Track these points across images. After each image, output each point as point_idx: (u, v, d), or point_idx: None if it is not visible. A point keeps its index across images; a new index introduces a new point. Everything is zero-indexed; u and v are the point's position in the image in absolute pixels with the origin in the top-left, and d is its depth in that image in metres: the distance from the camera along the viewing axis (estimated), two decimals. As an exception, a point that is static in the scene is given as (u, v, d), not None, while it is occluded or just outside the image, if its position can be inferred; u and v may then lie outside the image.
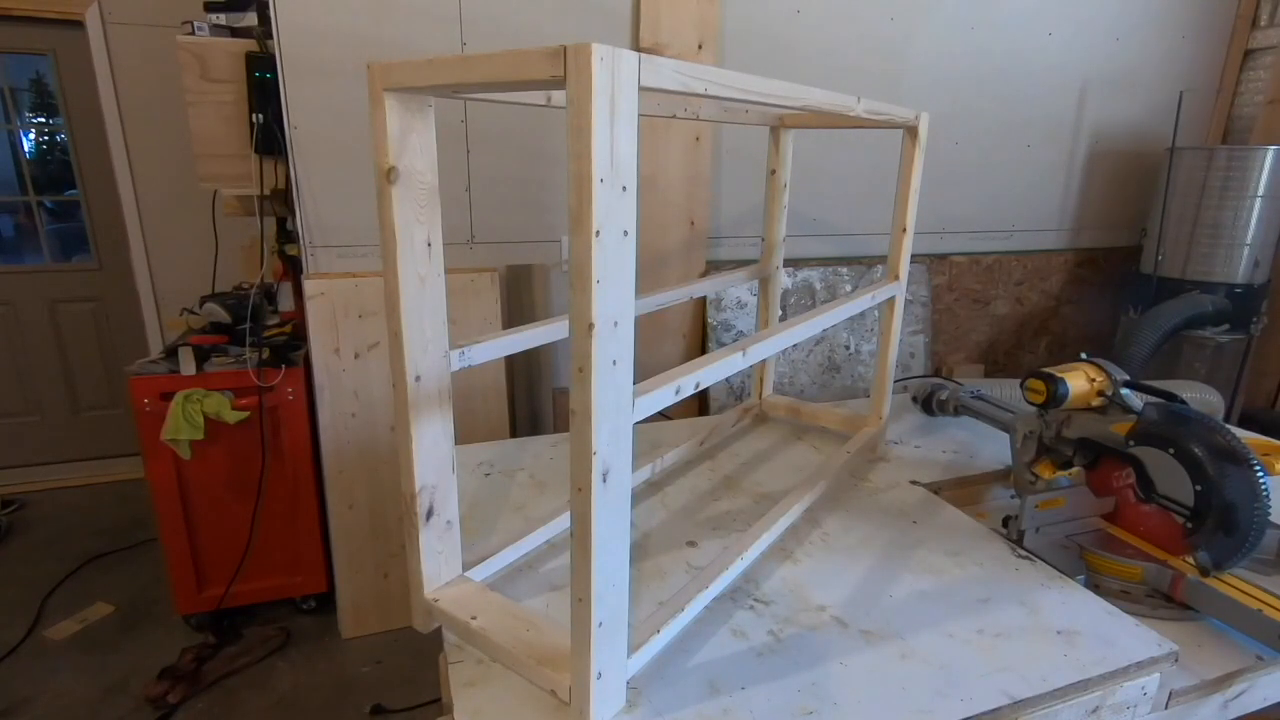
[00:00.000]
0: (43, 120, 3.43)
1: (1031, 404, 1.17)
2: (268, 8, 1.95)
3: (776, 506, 1.11)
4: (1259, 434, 1.40)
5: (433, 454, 0.82)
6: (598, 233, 0.57)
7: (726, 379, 2.51)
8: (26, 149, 3.42)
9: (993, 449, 1.48)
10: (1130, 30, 2.99)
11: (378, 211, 0.75)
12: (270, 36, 2.01)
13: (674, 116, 1.20)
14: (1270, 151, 2.68)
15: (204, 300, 2.36)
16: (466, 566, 0.92)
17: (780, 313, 1.61)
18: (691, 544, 1.11)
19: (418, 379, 0.79)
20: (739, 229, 2.64)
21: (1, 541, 2.96)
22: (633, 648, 0.77)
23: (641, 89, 0.58)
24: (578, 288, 0.59)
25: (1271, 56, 3.08)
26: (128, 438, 3.50)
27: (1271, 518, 0.98)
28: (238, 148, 2.15)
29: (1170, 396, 1.11)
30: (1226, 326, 2.80)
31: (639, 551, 1.09)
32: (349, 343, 2.12)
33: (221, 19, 2.12)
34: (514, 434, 2.43)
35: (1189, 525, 1.04)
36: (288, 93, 2.01)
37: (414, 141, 0.74)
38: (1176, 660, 0.87)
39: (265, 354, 2.20)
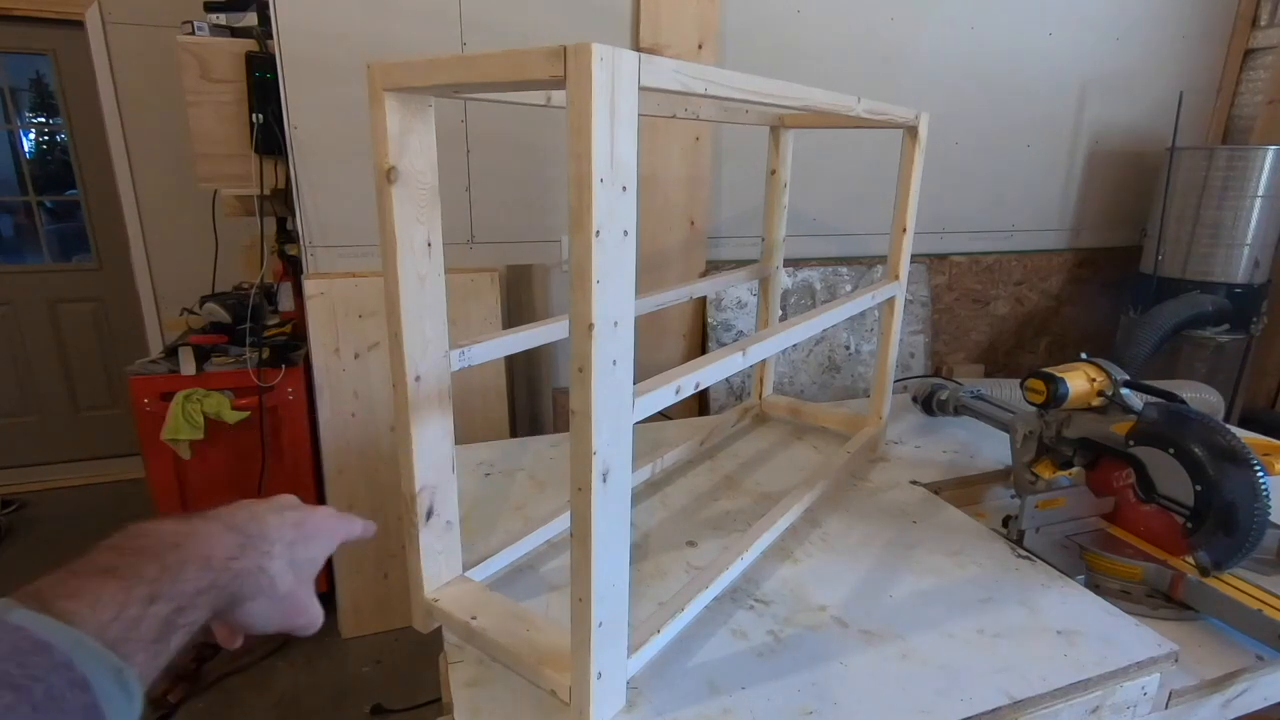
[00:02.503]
0: (43, 120, 3.43)
1: (1031, 404, 1.17)
2: (268, 8, 1.95)
3: (776, 506, 1.11)
4: (1259, 434, 1.40)
5: (433, 454, 0.82)
6: (598, 233, 0.57)
7: (726, 379, 2.51)
8: (26, 149, 3.42)
9: (993, 449, 1.48)
10: (1130, 30, 2.99)
11: (378, 211, 0.75)
12: (270, 36, 2.01)
13: (674, 116, 1.20)
14: (1270, 151, 2.68)
15: (204, 300, 2.36)
16: (466, 566, 0.92)
17: (780, 313, 1.61)
18: (691, 544, 1.11)
19: (418, 379, 0.79)
20: (739, 229, 2.64)
21: (1, 541, 2.96)
22: (633, 648, 0.77)
23: (641, 89, 0.58)
24: (578, 288, 0.59)
25: (1271, 56, 3.08)
26: (128, 438, 3.50)
27: (1271, 518, 0.98)
28: (238, 148, 2.15)
29: (1170, 396, 1.11)
30: (1226, 326, 2.80)
31: (639, 551, 1.08)
32: (349, 343, 2.12)
33: (221, 19, 2.12)
34: (514, 434, 2.43)
35: (1189, 525, 1.04)
36: (288, 93, 2.01)
37: (414, 141, 0.74)
38: (1176, 660, 0.87)
39: (265, 354, 2.20)
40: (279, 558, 0.51)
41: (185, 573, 0.42)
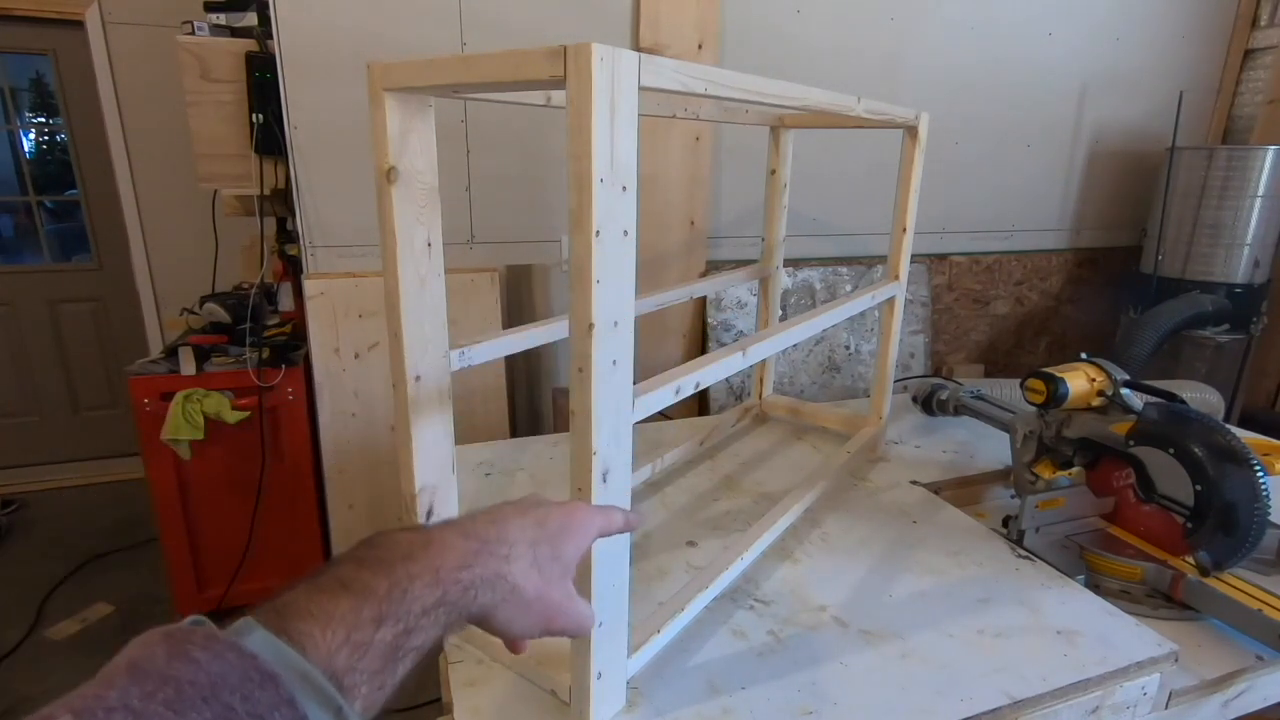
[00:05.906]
0: (43, 120, 3.43)
1: (1031, 404, 1.17)
2: (268, 7, 1.95)
3: (776, 506, 1.11)
4: (1259, 434, 1.40)
5: (433, 454, 0.82)
6: (598, 233, 0.57)
7: (726, 379, 2.51)
8: (26, 149, 3.42)
9: (993, 449, 1.48)
10: (1130, 30, 2.99)
11: (378, 211, 0.75)
12: (270, 36, 2.01)
13: (674, 116, 1.20)
14: (1270, 151, 2.67)
15: (204, 300, 2.35)
16: (466, 566, 0.92)
17: (780, 313, 1.61)
18: (691, 544, 1.11)
19: (418, 379, 0.79)
20: (739, 229, 2.64)
21: (1, 542, 2.96)
22: (633, 648, 0.77)
23: (641, 89, 0.58)
24: (578, 288, 0.59)
25: (1271, 56, 3.08)
26: (128, 438, 3.49)
27: (1271, 518, 0.98)
28: (238, 148, 2.15)
29: (1170, 396, 1.11)
30: (1226, 326, 2.80)
31: (639, 551, 1.08)
32: (349, 343, 2.12)
33: (221, 19, 2.11)
34: (514, 434, 2.43)
35: (1189, 525, 1.04)
36: (288, 93, 2.01)
37: (414, 141, 0.74)
38: (1176, 660, 0.87)
39: (265, 354, 2.20)
40: (519, 560, 0.47)
41: (413, 588, 0.40)
